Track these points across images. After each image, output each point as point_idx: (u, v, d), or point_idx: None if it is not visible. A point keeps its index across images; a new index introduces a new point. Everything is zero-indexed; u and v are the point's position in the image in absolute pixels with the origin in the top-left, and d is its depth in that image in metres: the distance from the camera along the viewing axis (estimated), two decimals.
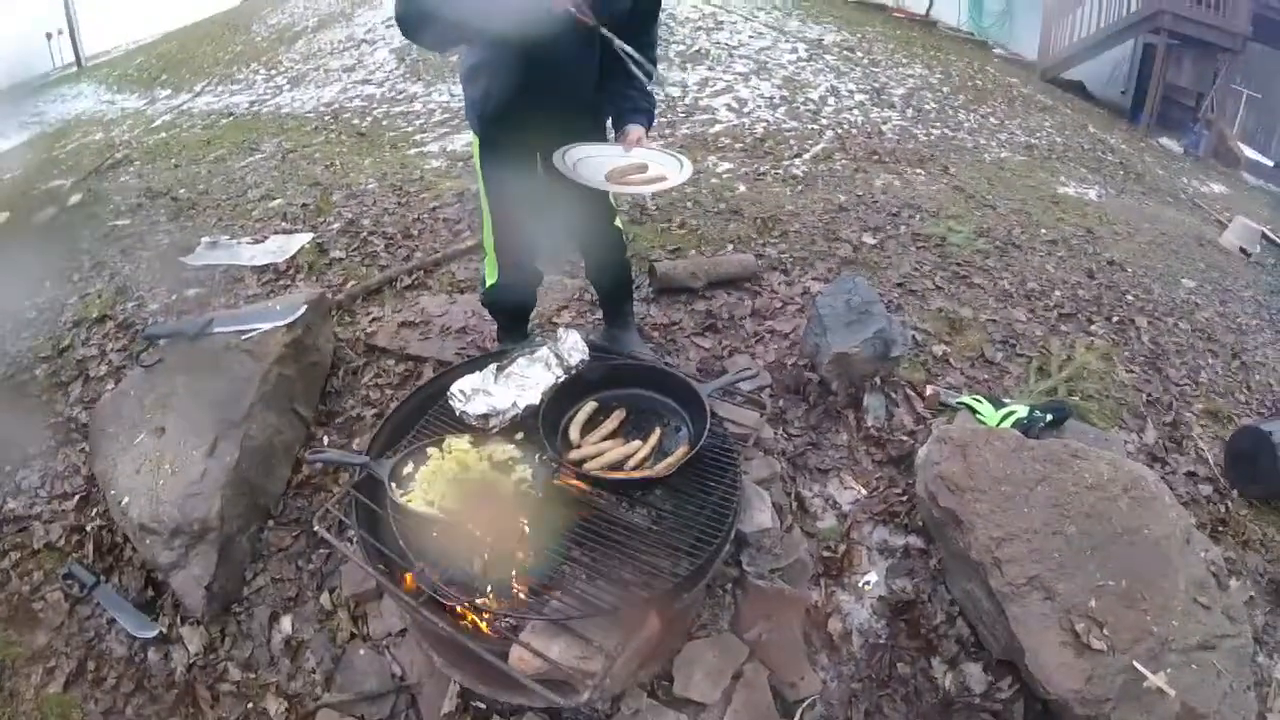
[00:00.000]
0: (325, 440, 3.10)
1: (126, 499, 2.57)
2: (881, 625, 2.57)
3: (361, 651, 2.48)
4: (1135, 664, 2.17)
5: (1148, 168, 8.82)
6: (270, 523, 2.82)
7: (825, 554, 2.71)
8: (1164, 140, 10.59)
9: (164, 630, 2.55)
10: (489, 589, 2.00)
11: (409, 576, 2.02)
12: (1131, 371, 3.98)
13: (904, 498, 2.91)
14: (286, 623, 2.59)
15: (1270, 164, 12.40)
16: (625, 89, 2.55)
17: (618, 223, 3.03)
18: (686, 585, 2.00)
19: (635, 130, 2.56)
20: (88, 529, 2.84)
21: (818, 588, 2.60)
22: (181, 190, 5.56)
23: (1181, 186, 8.63)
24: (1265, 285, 5.89)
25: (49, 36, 10.67)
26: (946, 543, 2.59)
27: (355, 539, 2.12)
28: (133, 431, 2.77)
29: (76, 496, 2.95)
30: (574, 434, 2.37)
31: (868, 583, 2.65)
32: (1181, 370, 4.15)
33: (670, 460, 2.19)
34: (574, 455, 2.25)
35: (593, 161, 2.48)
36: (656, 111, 2.74)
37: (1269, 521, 3.26)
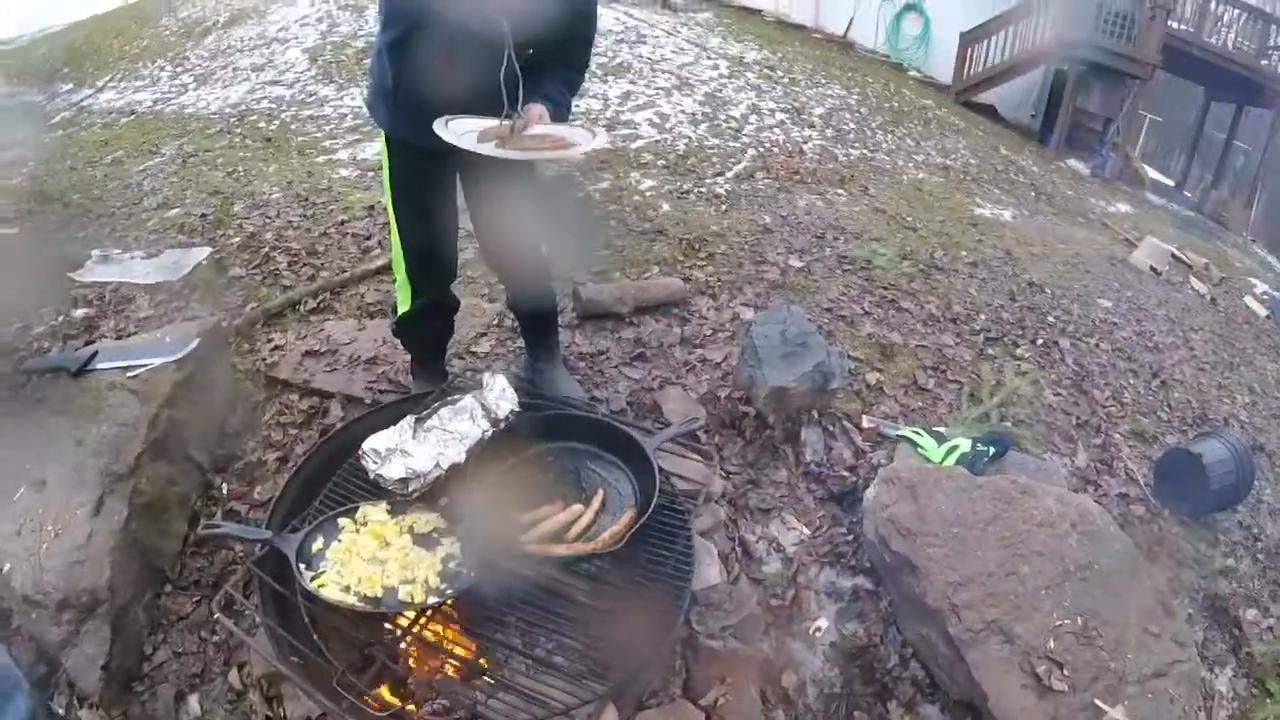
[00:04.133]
0: (225, 488, 2.78)
1: (8, 565, 2.25)
2: (835, 673, 2.46)
3: None
4: (1096, 702, 2.17)
5: (1057, 189, 9.10)
6: (167, 587, 2.49)
7: (773, 601, 2.58)
8: (1072, 162, 10.97)
9: (60, 712, 2.21)
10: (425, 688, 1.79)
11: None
12: (1059, 394, 4.02)
13: (849, 537, 2.81)
14: (194, 702, 2.28)
15: (1171, 184, 13.03)
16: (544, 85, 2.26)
17: (543, 249, 2.82)
18: (641, 676, 1.83)
19: (536, 107, 2.15)
20: None
21: (768, 638, 2.47)
22: (75, 195, 5.15)
23: (1090, 206, 8.93)
24: (1176, 303, 6.08)
25: None
26: (900, 588, 2.50)
27: (261, 627, 1.86)
28: (13, 484, 2.42)
29: None
30: None
31: (818, 629, 2.54)
32: (1106, 391, 4.22)
33: (617, 529, 2.01)
34: None
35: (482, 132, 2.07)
36: (571, 115, 2.43)
37: (1199, 537, 3.36)
